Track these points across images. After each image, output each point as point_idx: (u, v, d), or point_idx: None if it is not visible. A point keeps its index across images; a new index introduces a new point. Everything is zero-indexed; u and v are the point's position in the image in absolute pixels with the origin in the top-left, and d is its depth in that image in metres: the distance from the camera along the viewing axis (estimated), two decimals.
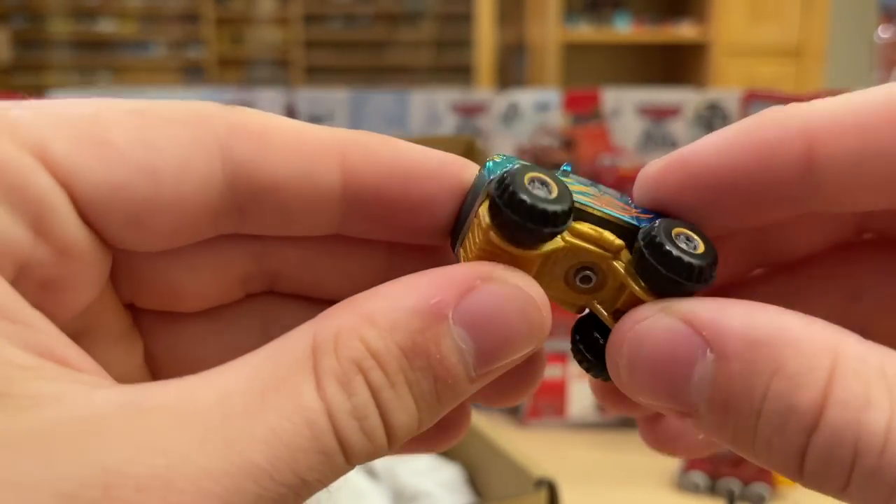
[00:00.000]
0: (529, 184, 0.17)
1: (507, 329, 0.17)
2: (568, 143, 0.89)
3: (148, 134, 0.17)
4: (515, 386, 0.21)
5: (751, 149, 0.18)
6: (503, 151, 0.94)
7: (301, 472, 0.14)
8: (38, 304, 0.16)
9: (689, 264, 0.18)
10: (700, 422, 0.17)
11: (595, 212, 0.19)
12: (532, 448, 0.52)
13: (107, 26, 3.92)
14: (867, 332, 0.21)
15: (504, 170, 0.18)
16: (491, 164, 0.19)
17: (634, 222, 0.19)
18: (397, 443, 0.16)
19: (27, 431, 0.13)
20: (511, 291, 0.17)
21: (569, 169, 0.20)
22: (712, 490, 0.61)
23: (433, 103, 1.13)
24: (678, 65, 3.52)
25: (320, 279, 0.21)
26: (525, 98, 0.92)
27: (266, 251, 0.20)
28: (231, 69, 3.95)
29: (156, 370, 0.21)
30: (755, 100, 0.69)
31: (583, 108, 0.89)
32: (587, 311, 0.20)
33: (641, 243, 0.18)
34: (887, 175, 0.17)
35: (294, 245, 0.20)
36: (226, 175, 0.18)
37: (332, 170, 0.18)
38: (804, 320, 0.16)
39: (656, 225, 0.18)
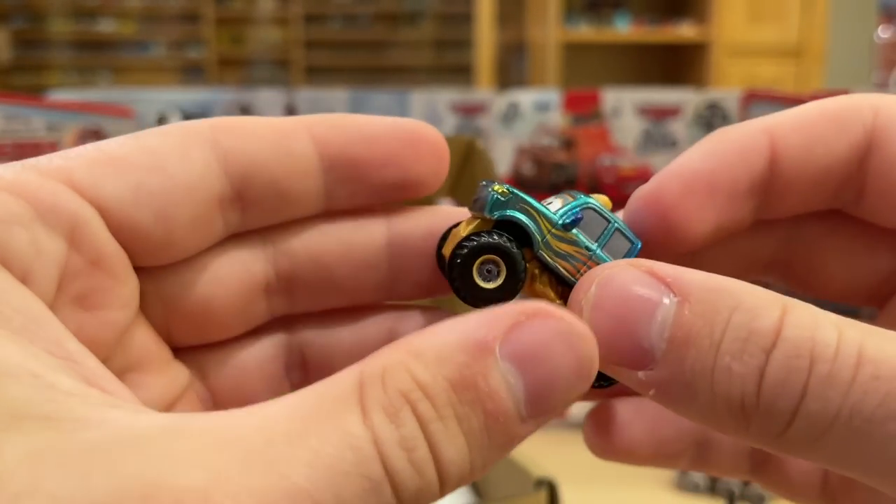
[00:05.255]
0: (479, 268, 0.20)
1: (554, 362, 0.17)
2: (568, 143, 0.89)
3: (146, 142, 0.19)
4: None
5: (727, 149, 0.21)
6: (503, 154, 0.94)
7: (344, 497, 0.14)
8: (78, 326, 0.18)
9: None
10: (656, 369, 0.18)
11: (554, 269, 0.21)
12: (532, 448, 0.52)
13: (107, 26, 3.92)
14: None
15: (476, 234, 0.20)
16: (494, 197, 0.21)
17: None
18: (449, 482, 0.16)
19: (70, 450, 0.13)
20: (557, 325, 0.17)
21: (580, 216, 0.21)
22: (712, 490, 0.61)
23: (433, 103, 1.13)
24: (678, 65, 3.52)
25: (331, 273, 0.22)
26: (525, 98, 0.92)
27: (277, 252, 0.22)
28: (231, 69, 3.95)
29: (204, 401, 0.23)
30: (755, 100, 0.69)
31: (583, 108, 0.89)
32: None
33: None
34: (829, 164, 0.21)
35: (299, 240, 0.22)
36: (218, 161, 0.20)
37: (304, 142, 0.21)
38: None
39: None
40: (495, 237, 0.20)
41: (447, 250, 0.21)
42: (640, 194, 0.22)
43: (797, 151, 0.21)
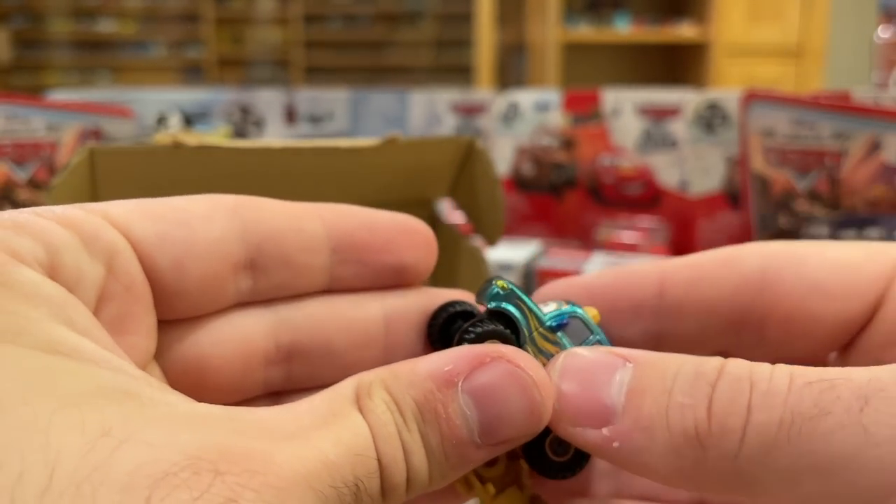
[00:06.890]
0: None
1: (507, 404, 0.19)
2: (568, 143, 0.89)
3: (176, 203, 0.22)
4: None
5: (617, 273, 0.26)
6: (503, 154, 0.94)
7: (359, 474, 0.17)
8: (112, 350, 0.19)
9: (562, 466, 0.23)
10: (617, 422, 0.20)
11: None
12: None
13: (107, 26, 3.93)
14: None
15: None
16: (495, 290, 0.24)
17: None
18: (412, 487, 0.19)
19: (154, 416, 0.16)
20: (514, 371, 0.20)
21: (566, 322, 0.24)
22: None
23: (433, 103, 1.12)
24: (678, 65, 3.53)
25: (331, 347, 0.24)
26: (525, 98, 0.92)
27: (280, 322, 0.24)
28: (231, 69, 3.95)
29: None
30: (755, 100, 0.69)
31: (583, 108, 0.89)
32: None
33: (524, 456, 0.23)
34: (716, 298, 0.25)
35: (302, 310, 0.24)
36: (238, 229, 0.22)
37: (315, 222, 0.24)
38: None
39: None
40: (495, 326, 0.23)
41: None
42: (543, 289, 0.27)
43: (685, 285, 0.25)
